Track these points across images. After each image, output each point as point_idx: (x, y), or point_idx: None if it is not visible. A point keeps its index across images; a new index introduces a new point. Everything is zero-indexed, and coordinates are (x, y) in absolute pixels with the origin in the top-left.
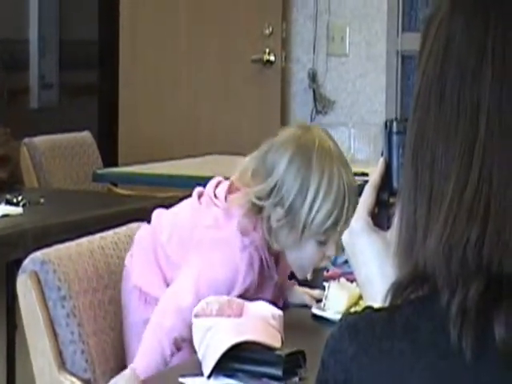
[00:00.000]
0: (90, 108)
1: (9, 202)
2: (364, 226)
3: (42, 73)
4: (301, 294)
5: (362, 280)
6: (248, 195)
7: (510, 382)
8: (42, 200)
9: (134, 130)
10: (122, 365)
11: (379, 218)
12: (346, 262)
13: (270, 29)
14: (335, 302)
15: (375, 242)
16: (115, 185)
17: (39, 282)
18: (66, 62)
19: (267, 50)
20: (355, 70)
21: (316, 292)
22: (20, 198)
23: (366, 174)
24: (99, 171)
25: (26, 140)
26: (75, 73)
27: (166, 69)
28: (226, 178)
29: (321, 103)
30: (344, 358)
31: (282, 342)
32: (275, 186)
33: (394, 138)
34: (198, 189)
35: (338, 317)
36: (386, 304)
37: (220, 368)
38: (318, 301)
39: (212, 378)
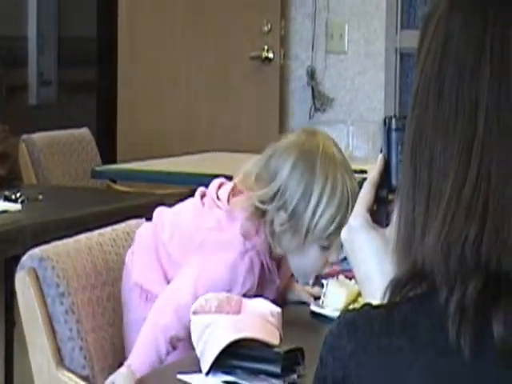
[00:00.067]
0: (89, 105)
1: (7, 199)
2: (363, 223)
3: (41, 69)
4: (299, 291)
5: (360, 277)
6: (251, 198)
7: (509, 380)
8: (40, 196)
9: (133, 126)
10: (120, 361)
11: (378, 215)
12: (345, 258)
13: (269, 26)
14: (334, 299)
15: (374, 238)
16: (114, 181)
17: (37, 278)
18: (65, 58)
19: (266, 48)
20: (354, 67)
21: (315, 289)
22: (18, 195)
23: (364, 172)
24: (98, 168)
25: (25, 136)
26: (74, 70)
27: (165, 65)
28: (226, 177)
29: (319, 100)
30: (342, 354)
31: (281, 339)
32: (278, 190)
33: (393, 135)
34: (201, 189)
35: (336, 314)
36: (385, 301)
37: (218, 365)
38: (317, 298)
39: (210, 375)
